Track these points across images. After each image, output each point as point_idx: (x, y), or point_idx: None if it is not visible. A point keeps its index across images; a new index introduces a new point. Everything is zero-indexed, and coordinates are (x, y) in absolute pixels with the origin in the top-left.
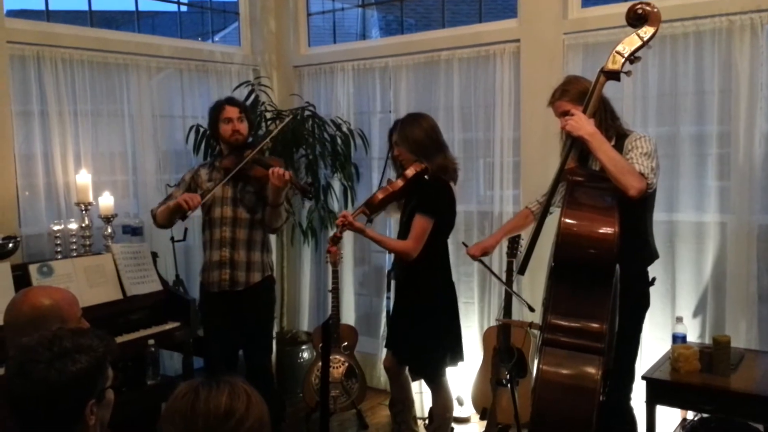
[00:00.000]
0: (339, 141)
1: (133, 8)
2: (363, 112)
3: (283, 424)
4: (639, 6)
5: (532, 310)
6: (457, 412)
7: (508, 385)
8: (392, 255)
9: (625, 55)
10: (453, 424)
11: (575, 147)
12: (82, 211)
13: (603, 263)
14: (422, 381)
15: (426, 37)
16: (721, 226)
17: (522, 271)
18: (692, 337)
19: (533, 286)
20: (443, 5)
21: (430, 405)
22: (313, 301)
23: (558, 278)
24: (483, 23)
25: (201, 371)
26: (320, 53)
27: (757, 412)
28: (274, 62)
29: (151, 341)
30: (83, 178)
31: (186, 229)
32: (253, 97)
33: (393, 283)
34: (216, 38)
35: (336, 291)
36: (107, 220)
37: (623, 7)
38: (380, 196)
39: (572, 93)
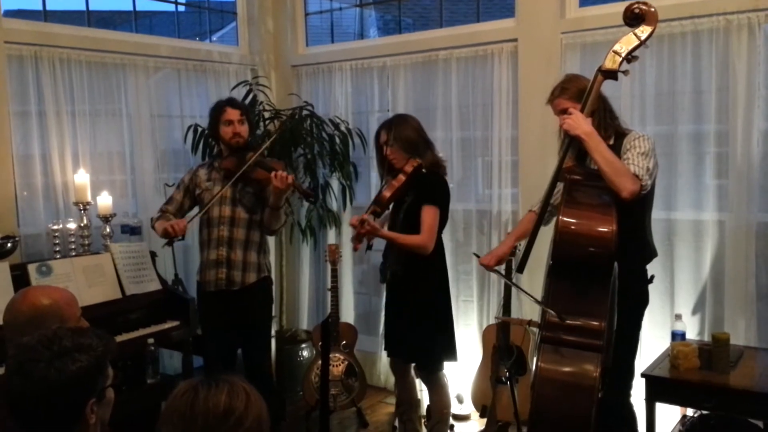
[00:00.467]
0: (337, 140)
1: (130, 8)
2: (361, 112)
3: (283, 423)
4: (636, 5)
5: (561, 318)
6: (457, 409)
7: (508, 382)
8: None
9: (623, 55)
10: (453, 422)
11: (573, 146)
12: (81, 210)
13: (601, 261)
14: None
15: (424, 37)
16: (720, 224)
17: (521, 269)
18: (691, 335)
19: (532, 284)
20: (441, 5)
21: (427, 403)
22: (312, 299)
23: (556, 276)
24: (481, 23)
25: (200, 370)
26: (318, 53)
27: (756, 408)
28: (272, 62)
29: (151, 340)
30: (81, 178)
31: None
32: (251, 96)
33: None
34: (214, 38)
35: (335, 289)
36: (106, 219)
37: (621, 7)
38: (387, 194)
39: (571, 91)
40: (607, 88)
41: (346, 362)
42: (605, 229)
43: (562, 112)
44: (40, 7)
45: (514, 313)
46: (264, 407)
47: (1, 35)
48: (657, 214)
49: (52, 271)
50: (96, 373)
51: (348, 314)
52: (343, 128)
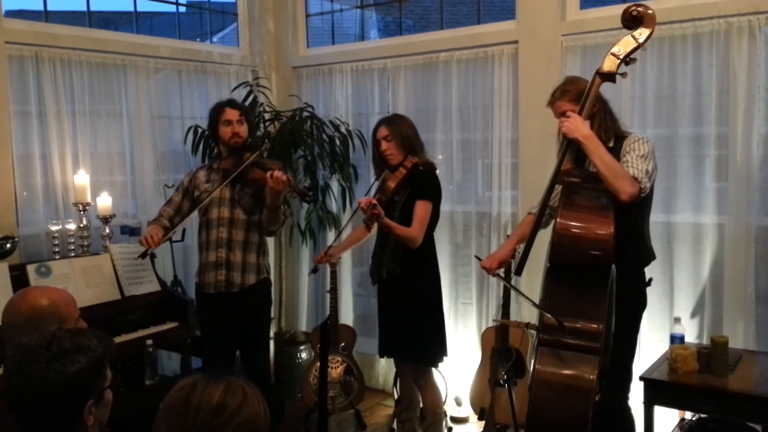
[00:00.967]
0: (337, 142)
1: (131, 9)
2: (361, 113)
3: (282, 424)
4: (634, 8)
5: (561, 324)
6: (456, 412)
7: (506, 385)
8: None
9: (621, 57)
10: (452, 424)
11: (571, 148)
12: (80, 211)
13: (599, 263)
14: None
15: (424, 39)
16: (719, 228)
17: (519, 271)
18: (690, 338)
19: (530, 286)
20: (442, 7)
21: (420, 405)
22: (311, 301)
23: (554, 278)
24: (481, 24)
25: (199, 371)
26: (319, 54)
27: (754, 412)
28: (272, 63)
29: (149, 341)
30: (81, 179)
31: (184, 230)
32: (251, 98)
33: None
34: (214, 39)
35: (334, 291)
36: (105, 220)
37: (621, 9)
38: (392, 184)
39: (572, 93)
40: (608, 90)
41: (345, 364)
42: (603, 232)
43: (563, 114)
44: (41, 8)
45: (513, 316)
46: (264, 410)
47: (2, 35)
48: (656, 217)
49: (51, 271)
50: (95, 374)
51: (347, 316)
52: (343, 130)
